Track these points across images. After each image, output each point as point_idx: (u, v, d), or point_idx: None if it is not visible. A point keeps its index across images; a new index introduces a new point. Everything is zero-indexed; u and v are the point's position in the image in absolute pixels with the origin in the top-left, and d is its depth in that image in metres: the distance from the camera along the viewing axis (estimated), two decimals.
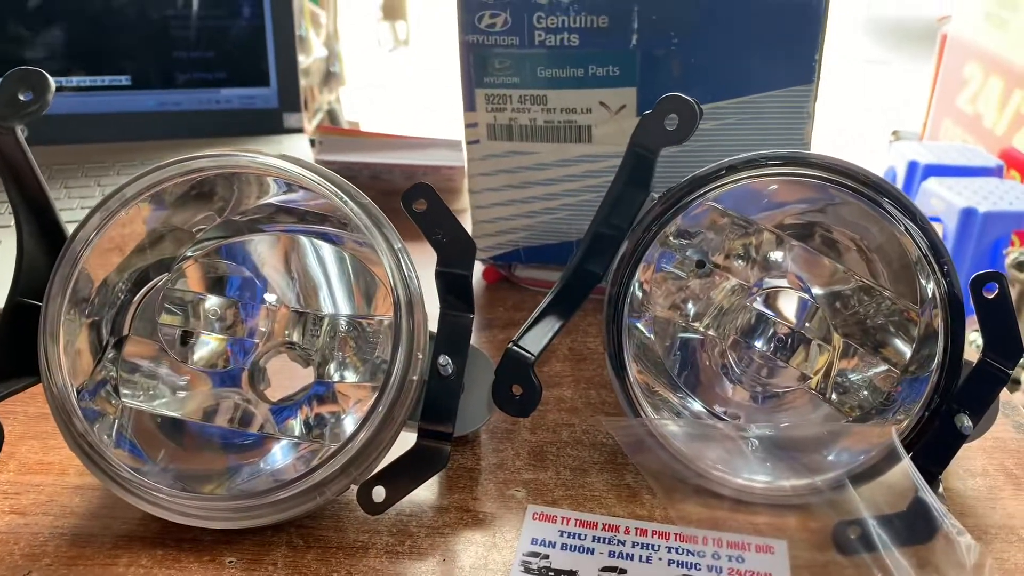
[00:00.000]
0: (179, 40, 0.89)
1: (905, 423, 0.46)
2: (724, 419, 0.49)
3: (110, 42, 0.88)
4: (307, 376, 0.51)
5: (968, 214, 1.84)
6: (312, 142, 0.91)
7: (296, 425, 0.49)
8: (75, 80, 0.88)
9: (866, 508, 0.44)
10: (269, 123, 0.92)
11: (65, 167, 0.82)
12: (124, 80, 0.89)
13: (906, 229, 0.46)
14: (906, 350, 0.48)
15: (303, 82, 1.05)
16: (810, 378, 0.49)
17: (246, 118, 0.92)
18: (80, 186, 0.79)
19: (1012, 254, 1.82)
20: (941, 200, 1.80)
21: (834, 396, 0.49)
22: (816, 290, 0.50)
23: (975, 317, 0.45)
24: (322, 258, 0.49)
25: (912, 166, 2.16)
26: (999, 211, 1.90)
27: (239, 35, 0.91)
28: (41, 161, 0.44)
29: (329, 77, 2.08)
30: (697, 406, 0.50)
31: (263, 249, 0.49)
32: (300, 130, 0.93)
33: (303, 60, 1.50)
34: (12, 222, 0.70)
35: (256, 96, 0.92)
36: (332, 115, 2.14)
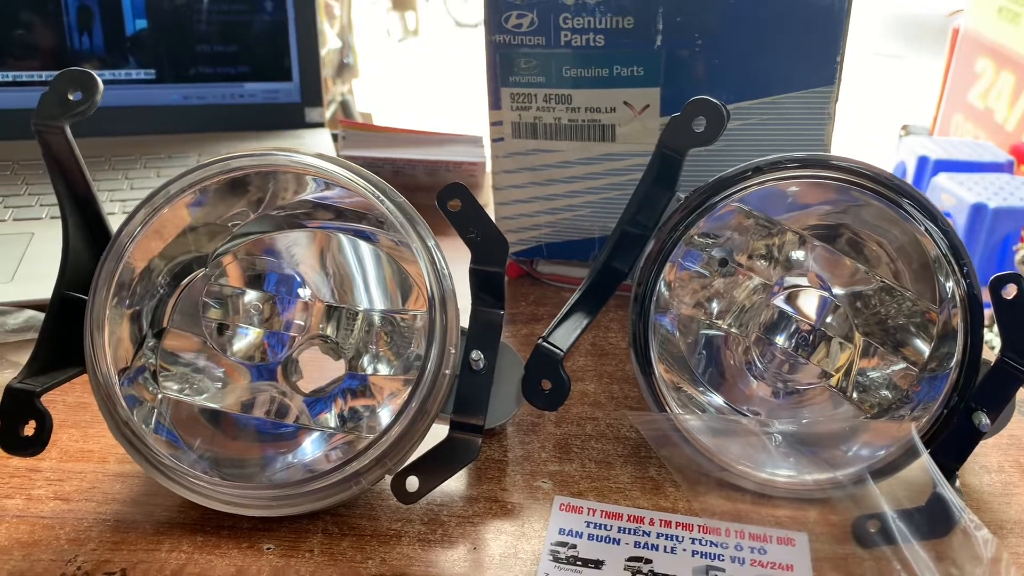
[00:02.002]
0: (203, 35, 0.91)
1: (924, 420, 0.47)
2: (747, 415, 0.50)
3: (135, 37, 0.90)
4: (338, 368, 0.52)
5: (978, 210, 1.84)
6: (335, 137, 0.92)
7: (331, 418, 0.51)
8: (98, 74, 0.89)
9: (886, 502, 0.45)
10: (291, 117, 0.93)
11: (91, 160, 0.83)
12: (149, 74, 0.90)
13: (926, 230, 0.47)
14: (925, 349, 0.49)
15: None
16: (831, 375, 0.50)
17: (268, 112, 0.93)
18: (107, 179, 0.81)
19: (1022, 251, 1.83)
20: (951, 195, 1.80)
21: (855, 394, 0.50)
22: (837, 290, 0.51)
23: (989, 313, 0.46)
24: (359, 255, 0.50)
25: (922, 161, 2.16)
26: (1009, 207, 1.91)
27: (262, 30, 0.92)
28: None
29: (343, 68, 2.10)
30: (720, 402, 0.52)
31: (301, 245, 0.50)
32: (322, 124, 0.94)
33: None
34: (46, 214, 0.73)
35: (279, 91, 0.93)
36: (345, 106, 2.15)
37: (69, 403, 0.55)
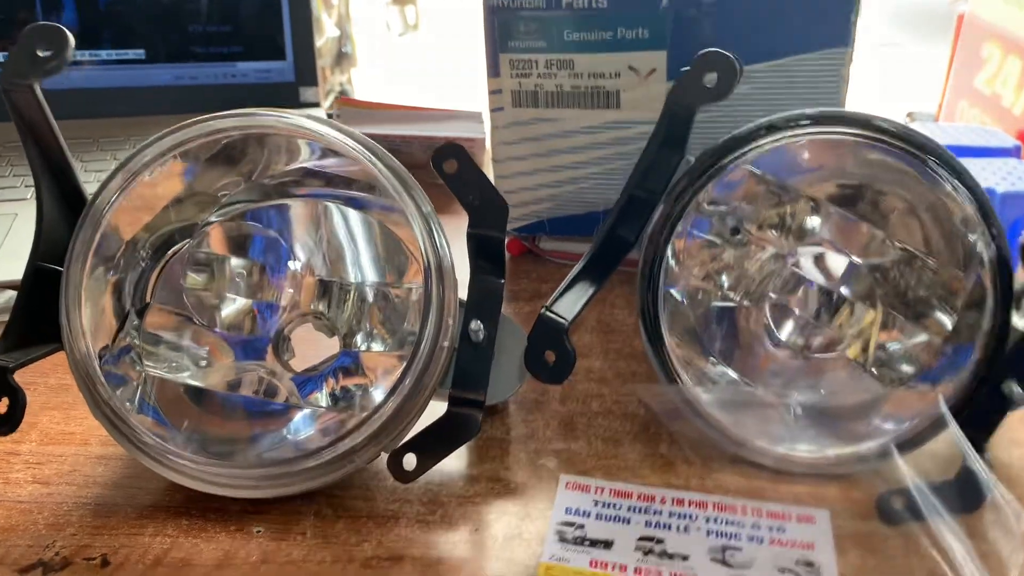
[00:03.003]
0: (195, 13, 0.88)
1: (952, 390, 0.44)
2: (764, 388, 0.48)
3: (125, 15, 0.87)
4: (332, 346, 0.50)
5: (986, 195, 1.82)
6: (330, 115, 0.90)
7: (322, 397, 0.48)
8: (89, 54, 0.87)
9: (912, 476, 0.43)
10: (285, 97, 0.91)
11: (80, 141, 0.81)
12: (139, 54, 0.88)
13: (953, 189, 0.44)
14: (948, 319, 0.47)
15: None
16: (851, 344, 0.48)
17: (262, 92, 0.90)
18: (95, 159, 0.78)
19: None
20: None
21: (875, 368, 0.47)
22: (855, 259, 0.49)
23: None
24: (349, 225, 0.48)
25: None
26: (1018, 191, 1.88)
27: (255, 8, 0.89)
28: None
29: (341, 58, 2.07)
30: (734, 375, 0.49)
31: (289, 214, 0.48)
32: (317, 104, 0.92)
33: (315, 40, 1.49)
34: (31, 195, 0.70)
35: (272, 70, 0.91)
36: (344, 95, 2.12)
37: (51, 385, 0.53)
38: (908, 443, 0.44)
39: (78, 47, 0.85)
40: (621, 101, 0.61)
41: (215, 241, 0.47)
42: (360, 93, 1.13)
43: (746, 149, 0.46)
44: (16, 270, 0.60)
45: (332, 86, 2.00)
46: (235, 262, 0.47)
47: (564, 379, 0.45)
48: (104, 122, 0.85)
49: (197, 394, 0.47)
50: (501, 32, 0.61)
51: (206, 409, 0.47)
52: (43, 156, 0.43)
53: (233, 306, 0.48)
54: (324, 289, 0.49)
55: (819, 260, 0.49)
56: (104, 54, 0.87)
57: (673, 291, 0.49)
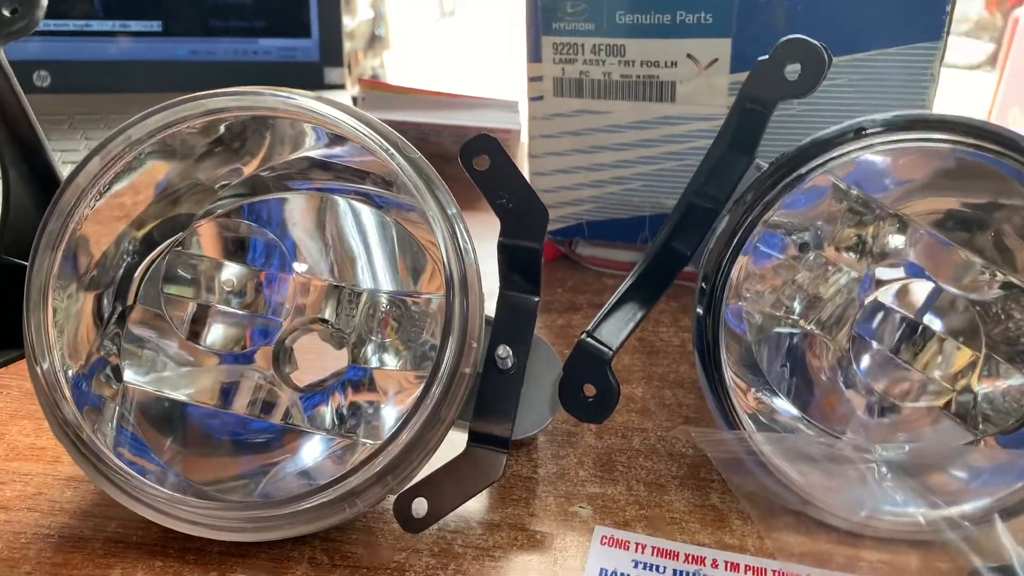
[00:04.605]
0: None
1: None
2: (838, 436, 0.41)
3: None
4: (340, 359, 0.44)
5: None
6: (354, 100, 0.84)
7: (327, 414, 0.42)
8: (99, 24, 0.81)
9: (1016, 549, 0.36)
10: (309, 78, 0.85)
11: (87, 117, 0.76)
12: (155, 26, 0.82)
13: None
14: None
15: (347, 45, 0.98)
16: (943, 388, 0.41)
17: (284, 71, 0.85)
18: (102, 137, 0.72)
19: None
20: None
21: (973, 419, 0.40)
22: (945, 287, 0.42)
23: None
24: (361, 223, 0.41)
25: None
26: None
27: None
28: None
29: (374, 40, 2.01)
30: (798, 415, 0.42)
31: (292, 210, 0.41)
32: (342, 86, 0.86)
33: (348, 22, 1.44)
34: None
35: (296, 48, 0.85)
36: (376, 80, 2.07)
37: (27, 390, 0.47)
38: (1011, 510, 0.37)
39: (88, 15, 0.81)
40: (677, 94, 0.54)
41: (206, 241, 0.41)
42: (392, 78, 1.08)
43: (829, 156, 0.39)
44: None
45: (364, 70, 1.94)
46: (229, 270, 0.41)
47: (605, 418, 0.38)
48: (114, 97, 0.80)
49: (182, 419, 0.41)
50: (544, 12, 0.54)
51: (190, 438, 0.41)
52: (9, 132, 0.37)
53: (222, 328, 0.42)
54: (331, 294, 0.43)
55: (904, 289, 0.42)
56: (116, 24, 0.81)
57: (735, 318, 0.42)
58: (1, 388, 0.47)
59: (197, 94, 0.37)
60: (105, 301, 0.41)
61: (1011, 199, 0.40)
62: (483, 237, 0.39)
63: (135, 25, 0.82)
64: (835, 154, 0.39)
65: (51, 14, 0.78)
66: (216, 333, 0.42)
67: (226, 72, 0.84)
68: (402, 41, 1.17)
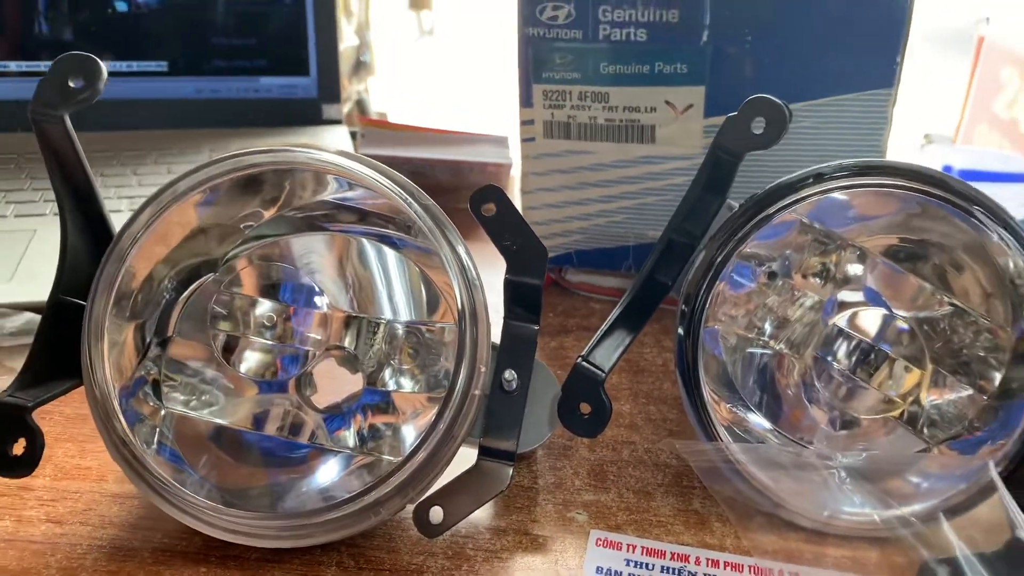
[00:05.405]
0: (218, 26, 0.87)
1: (1001, 453, 0.43)
2: (805, 446, 0.46)
3: (148, 27, 0.86)
4: (355, 383, 0.48)
5: None
6: (353, 135, 0.88)
7: (350, 436, 0.47)
8: (111, 65, 0.85)
9: (959, 545, 0.41)
10: (308, 113, 0.90)
11: (99, 154, 0.80)
12: (161, 66, 0.87)
13: (1000, 239, 0.42)
14: (998, 375, 0.45)
15: None
16: (895, 401, 0.46)
17: (285, 108, 0.89)
18: (115, 174, 0.77)
19: None
20: None
21: (925, 429, 0.45)
22: (901, 312, 0.47)
23: None
24: (383, 262, 0.46)
25: (946, 171, 2.11)
26: None
27: (280, 22, 0.88)
28: None
29: (359, 66, 2.06)
30: (769, 427, 0.47)
31: (319, 250, 0.46)
32: (339, 121, 0.91)
33: None
34: (50, 211, 0.69)
35: (296, 86, 0.90)
36: (361, 105, 2.11)
37: (67, 415, 0.52)
38: (955, 508, 0.42)
39: (100, 58, 0.85)
40: (656, 136, 0.60)
41: (245, 281, 0.46)
42: (376, 102, 1.12)
43: (792, 199, 0.44)
44: (34, 291, 0.59)
45: (349, 95, 1.99)
46: (262, 307, 0.46)
47: (599, 432, 0.43)
48: (125, 135, 0.84)
49: (217, 437, 0.45)
50: (535, 62, 0.59)
51: (225, 453, 0.45)
52: (69, 187, 0.42)
53: (257, 355, 0.46)
54: (350, 324, 0.47)
55: (859, 315, 0.48)
56: (126, 65, 0.86)
57: (712, 339, 0.47)
58: (44, 414, 0.51)
59: (237, 152, 0.41)
60: (148, 331, 0.45)
61: (948, 232, 0.45)
62: (484, 268, 0.43)
63: (143, 65, 0.86)
64: (798, 196, 0.44)
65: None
66: (250, 361, 0.46)
67: (229, 109, 0.88)
68: (384, 64, 1.21)
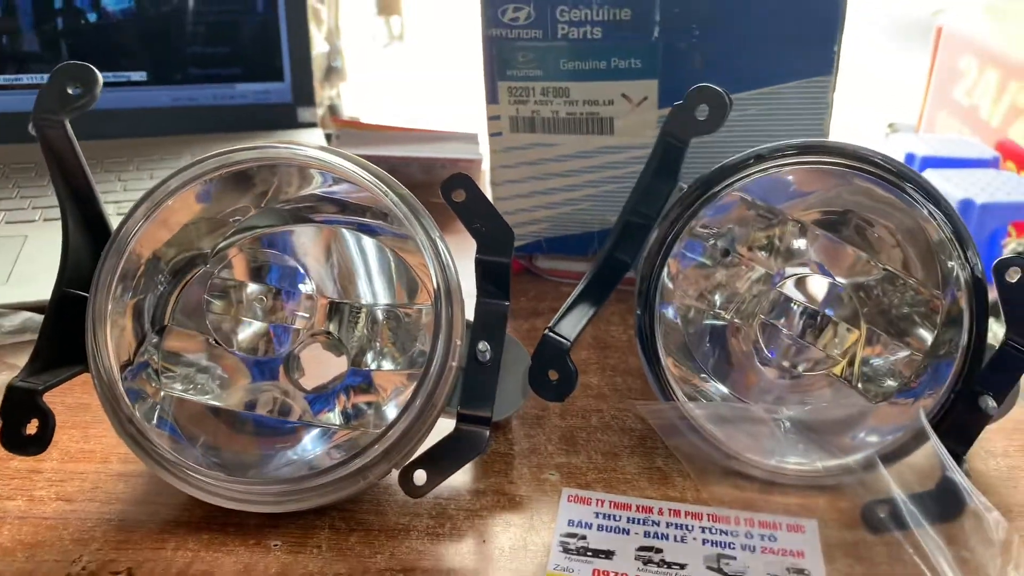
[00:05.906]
0: (194, 36, 0.90)
1: (931, 404, 0.47)
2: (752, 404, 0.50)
3: (122, 39, 0.89)
4: (340, 365, 0.52)
5: (966, 205, 1.85)
6: (328, 137, 0.92)
7: (335, 415, 0.50)
8: None
9: (895, 487, 0.45)
10: (283, 118, 0.93)
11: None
12: (140, 76, 0.90)
13: (929, 214, 0.47)
14: (928, 336, 0.49)
15: None
16: (837, 361, 0.50)
17: (260, 113, 0.92)
18: (101, 181, 0.79)
19: (1010, 244, 1.84)
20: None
21: (860, 384, 0.50)
22: (840, 279, 0.51)
23: None
24: (363, 249, 0.50)
25: (909, 158, 2.16)
26: (996, 202, 1.91)
27: (253, 31, 0.91)
28: None
29: (330, 72, 2.09)
30: (726, 392, 0.51)
31: (305, 239, 0.50)
32: (315, 124, 0.94)
33: None
34: (39, 217, 0.72)
35: (271, 91, 0.93)
36: (333, 110, 2.14)
37: (69, 404, 0.55)
38: (891, 455, 0.47)
39: None
40: (615, 127, 0.64)
41: (236, 267, 0.49)
42: (348, 106, 1.15)
43: (736, 178, 0.48)
44: (29, 292, 0.62)
45: (322, 100, 2.01)
46: (252, 287, 0.49)
47: (566, 397, 0.47)
48: (106, 143, 0.86)
49: (214, 412, 0.49)
50: (499, 61, 0.63)
51: (222, 427, 0.49)
52: (70, 187, 0.45)
53: (250, 329, 0.50)
54: (335, 310, 0.51)
55: (804, 282, 0.52)
56: (109, 75, 0.88)
57: (668, 311, 0.51)
58: (49, 404, 0.54)
59: (224, 150, 0.45)
60: (145, 317, 0.49)
61: (876, 205, 0.50)
62: (460, 254, 0.47)
63: (120, 76, 0.89)
64: (740, 176, 0.49)
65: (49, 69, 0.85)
66: (246, 335, 0.50)
67: (206, 116, 0.91)
68: (355, 69, 1.24)
